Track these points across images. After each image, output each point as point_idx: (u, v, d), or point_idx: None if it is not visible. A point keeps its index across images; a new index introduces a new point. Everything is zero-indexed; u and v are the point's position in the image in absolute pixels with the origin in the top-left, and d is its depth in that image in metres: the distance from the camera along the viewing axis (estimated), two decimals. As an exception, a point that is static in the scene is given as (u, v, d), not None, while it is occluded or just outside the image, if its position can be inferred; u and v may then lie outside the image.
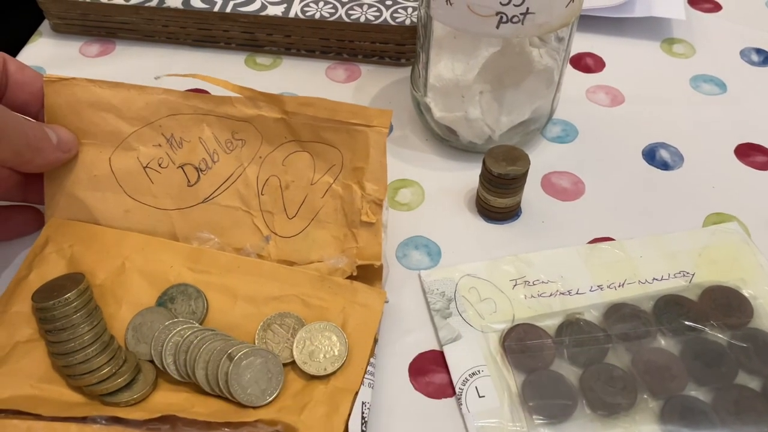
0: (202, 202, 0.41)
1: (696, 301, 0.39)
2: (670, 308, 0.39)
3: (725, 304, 0.39)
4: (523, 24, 0.40)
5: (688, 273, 0.41)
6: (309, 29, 0.55)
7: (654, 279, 0.41)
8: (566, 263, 0.42)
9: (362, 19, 0.54)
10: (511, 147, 0.43)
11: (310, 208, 0.40)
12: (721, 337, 0.37)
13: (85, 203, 0.40)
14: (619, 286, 0.40)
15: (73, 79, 0.41)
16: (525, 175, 0.43)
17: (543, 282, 0.41)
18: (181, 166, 0.41)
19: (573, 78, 0.56)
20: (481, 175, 0.44)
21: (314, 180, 0.40)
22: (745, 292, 0.40)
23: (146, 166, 0.41)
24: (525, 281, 0.41)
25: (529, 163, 0.43)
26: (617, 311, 0.38)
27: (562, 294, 0.40)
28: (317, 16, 0.54)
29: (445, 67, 0.46)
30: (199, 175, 0.41)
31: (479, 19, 0.40)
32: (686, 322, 0.38)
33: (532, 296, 0.40)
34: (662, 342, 0.37)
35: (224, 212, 0.40)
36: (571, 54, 0.58)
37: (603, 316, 0.38)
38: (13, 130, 0.36)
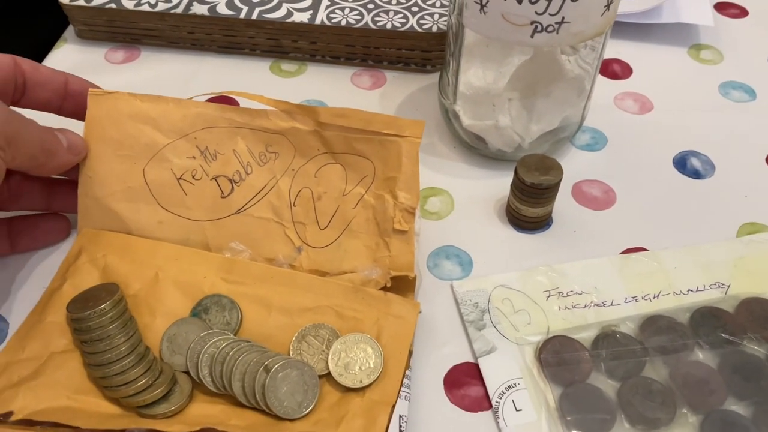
0: (236, 213, 0.41)
1: (732, 314, 0.39)
2: (707, 320, 0.38)
3: (763, 316, 0.38)
4: (558, 33, 0.40)
5: (723, 284, 0.41)
6: (335, 36, 0.55)
7: (689, 290, 0.40)
8: (600, 274, 0.41)
9: (389, 26, 0.54)
10: (543, 156, 0.43)
11: (342, 219, 0.40)
12: (759, 350, 0.37)
13: (118, 214, 0.40)
14: (654, 297, 0.40)
15: (117, 92, 0.41)
16: (558, 184, 0.42)
17: (577, 293, 0.40)
18: (215, 178, 0.41)
19: (600, 84, 0.55)
20: (513, 185, 0.43)
21: (346, 191, 0.40)
22: (783, 305, 0.39)
23: (180, 178, 0.41)
24: (559, 292, 0.40)
25: (562, 172, 0.42)
26: (653, 323, 0.38)
27: (597, 305, 0.40)
28: (343, 22, 0.54)
29: (475, 74, 0.46)
30: (232, 187, 0.41)
31: (514, 28, 0.40)
32: (724, 335, 0.37)
33: (566, 308, 0.39)
34: (700, 355, 0.37)
35: (257, 223, 0.40)
36: (598, 60, 0.58)
37: (639, 328, 0.38)
38: (28, 134, 0.36)
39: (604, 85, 0.55)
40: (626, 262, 0.42)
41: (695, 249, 0.43)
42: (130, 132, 0.41)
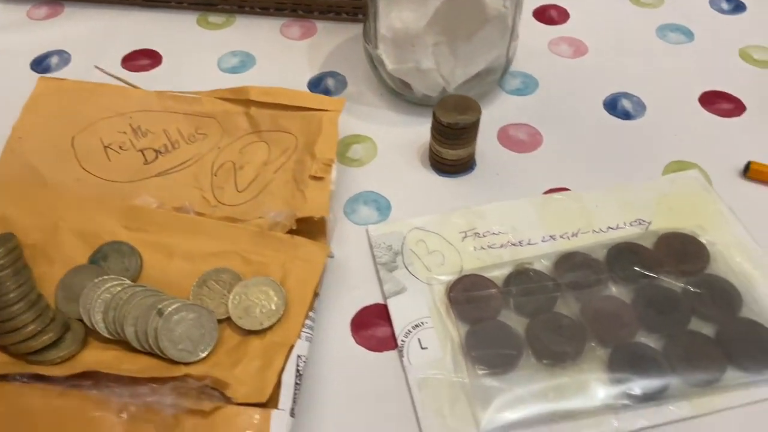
0: (155, 176, 0.41)
1: (651, 249, 0.38)
2: (624, 256, 0.37)
3: (681, 250, 0.38)
4: (467, -37, 0.38)
5: (644, 221, 0.40)
6: (262, -15, 0.54)
7: (609, 228, 0.39)
8: (519, 215, 0.40)
9: (315, -27, 0.53)
10: (462, 97, 0.42)
11: (261, 182, 0.41)
12: (675, 283, 0.36)
13: (37, 168, 0.41)
14: (573, 235, 0.39)
15: (65, 79, 0.46)
16: (476, 124, 0.41)
17: (494, 233, 0.39)
18: (141, 150, 0.43)
19: (535, 30, 0.54)
20: (432, 127, 0.42)
21: (268, 161, 0.42)
22: (703, 239, 0.38)
23: (107, 147, 0.43)
24: (475, 233, 0.39)
25: (480, 112, 0.41)
26: (568, 260, 0.37)
27: (513, 245, 0.39)
28: (269, -29, 0.53)
29: (396, 17, 0.44)
30: (157, 156, 0.43)
31: (421, -40, 0.38)
32: (639, 270, 0.36)
33: (481, 248, 0.38)
34: (614, 290, 0.36)
35: (174, 186, 0.41)
36: (535, 6, 0.57)
37: (554, 265, 0.37)
38: None
39: (539, 31, 0.54)
40: (546, 202, 0.41)
41: (618, 188, 0.42)
42: (68, 108, 0.44)
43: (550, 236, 0.39)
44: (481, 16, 0.44)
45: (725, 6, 0.56)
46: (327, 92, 0.49)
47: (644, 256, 0.37)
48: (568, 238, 0.39)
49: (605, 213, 0.40)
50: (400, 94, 0.48)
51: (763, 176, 0.42)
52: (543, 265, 0.37)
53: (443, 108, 0.41)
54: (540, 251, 0.38)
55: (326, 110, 0.43)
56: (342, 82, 0.50)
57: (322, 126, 0.42)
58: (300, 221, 0.38)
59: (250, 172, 0.41)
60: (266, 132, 0.44)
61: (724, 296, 0.35)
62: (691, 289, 0.36)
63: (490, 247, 0.38)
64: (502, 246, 0.39)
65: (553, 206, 0.41)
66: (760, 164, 0.42)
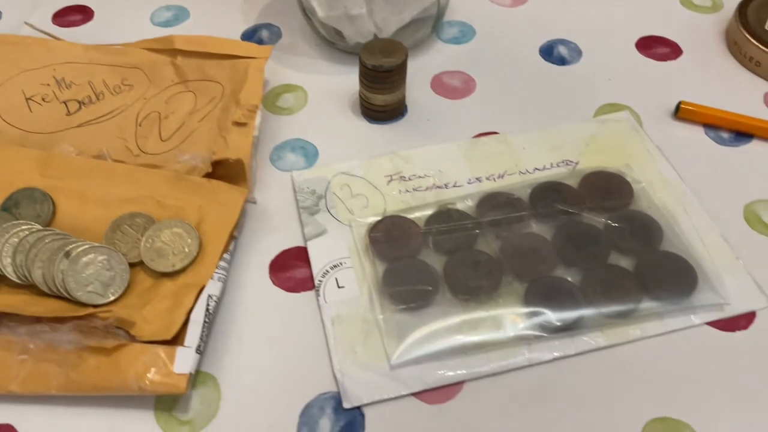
0: (77, 126, 0.41)
1: (575, 187, 0.38)
2: (547, 194, 0.37)
3: (605, 188, 0.37)
4: None
5: (572, 161, 0.40)
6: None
7: (535, 169, 0.39)
8: (446, 158, 0.40)
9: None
10: (389, 40, 0.41)
11: (185, 131, 0.40)
12: (596, 219, 0.36)
13: None
14: (499, 177, 0.39)
15: None
16: (402, 67, 0.40)
17: (420, 177, 0.39)
18: (65, 102, 0.42)
19: (475, -21, 0.53)
20: (360, 72, 0.41)
21: (194, 110, 0.41)
22: (629, 177, 0.38)
23: (29, 98, 0.42)
24: (401, 177, 0.39)
25: (405, 54, 0.40)
26: (491, 200, 0.37)
27: (438, 187, 0.38)
28: None
29: (324, -38, 0.44)
30: (80, 107, 0.42)
31: None
32: (561, 207, 0.36)
33: (406, 191, 0.38)
34: (535, 227, 0.36)
35: (96, 135, 0.40)
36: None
37: (476, 205, 0.37)
38: None
39: (479, -20, 0.53)
40: (474, 145, 0.41)
41: (548, 130, 0.41)
42: None
43: (476, 178, 0.39)
44: (411, -40, 0.43)
45: (668, -46, 0.56)
46: (260, 43, 0.48)
47: (567, 194, 0.37)
48: (494, 180, 0.38)
49: (533, 154, 0.40)
50: (334, 43, 0.47)
51: (692, 115, 0.42)
52: (466, 206, 0.37)
53: (369, 51, 0.41)
54: (465, 192, 0.38)
55: (253, 57, 0.43)
56: (276, 34, 0.49)
57: (248, 73, 0.42)
58: (220, 167, 0.37)
59: (175, 122, 0.41)
60: (193, 81, 0.43)
61: (644, 231, 0.35)
62: (612, 225, 0.36)
63: (415, 190, 0.38)
64: (427, 189, 0.38)
65: (480, 149, 0.40)
66: (689, 104, 0.42)
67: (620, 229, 0.35)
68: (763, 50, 0.44)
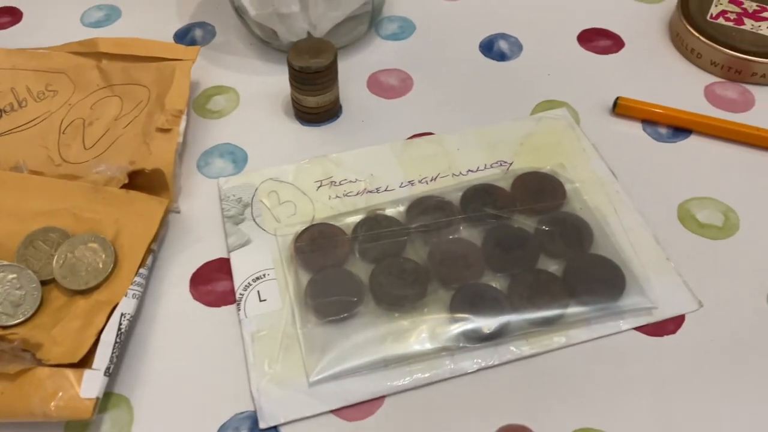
0: None
1: (507, 190, 0.37)
2: (478, 198, 0.36)
3: (537, 190, 0.37)
4: None
5: (506, 162, 0.39)
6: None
7: (469, 171, 0.38)
8: (378, 161, 0.39)
9: None
10: (318, 40, 0.40)
11: (109, 138, 0.39)
12: (527, 223, 0.35)
13: None
14: (432, 180, 0.38)
15: None
16: (330, 68, 0.39)
17: (351, 181, 0.38)
18: None
19: (417, -28, 0.52)
20: (289, 74, 0.40)
21: (119, 116, 0.40)
22: (562, 177, 0.37)
23: None
24: (331, 182, 0.38)
25: (334, 54, 0.39)
26: (420, 204, 0.36)
27: (370, 192, 0.37)
28: None
29: (253, -42, 0.42)
30: (1, 115, 0.40)
31: None
32: (490, 210, 0.35)
33: (336, 196, 0.37)
34: (464, 232, 0.35)
35: (18, 145, 0.39)
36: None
37: (406, 210, 0.36)
38: None
39: (421, -27, 0.52)
40: (407, 147, 0.40)
41: (483, 129, 0.41)
42: None
43: (409, 182, 0.38)
44: (343, -45, 0.42)
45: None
46: (193, 44, 0.47)
47: (499, 197, 0.36)
48: (427, 183, 0.38)
49: (467, 156, 0.39)
50: (269, 43, 0.46)
51: (630, 111, 0.41)
52: (397, 211, 0.36)
53: (296, 52, 0.39)
54: (396, 197, 0.37)
55: (180, 60, 0.41)
56: (210, 32, 0.48)
57: (174, 76, 0.40)
58: (141, 176, 0.36)
59: (99, 128, 0.40)
60: (119, 86, 0.41)
61: (574, 233, 0.35)
62: (542, 228, 0.35)
63: (345, 195, 0.37)
64: (358, 194, 0.37)
65: (413, 151, 0.39)
66: (627, 99, 0.41)
67: (550, 232, 0.35)
68: (704, 42, 0.43)
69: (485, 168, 0.38)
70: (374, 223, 0.35)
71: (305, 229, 0.35)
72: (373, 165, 0.39)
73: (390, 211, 0.36)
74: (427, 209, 0.36)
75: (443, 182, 0.38)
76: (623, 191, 0.37)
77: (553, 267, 0.34)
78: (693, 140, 0.40)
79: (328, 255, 0.34)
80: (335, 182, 0.38)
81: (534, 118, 0.41)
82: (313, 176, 0.38)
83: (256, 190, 0.37)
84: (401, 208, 0.36)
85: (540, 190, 0.37)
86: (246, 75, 0.45)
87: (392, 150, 0.39)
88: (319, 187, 0.38)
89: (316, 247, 0.34)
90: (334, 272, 0.33)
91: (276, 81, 0.44)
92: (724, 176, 0.38)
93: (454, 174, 0.38)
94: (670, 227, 0.36)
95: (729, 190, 0.37)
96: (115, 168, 0.35)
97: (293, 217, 0.36)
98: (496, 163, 0.39)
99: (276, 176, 0.38)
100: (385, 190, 0.37)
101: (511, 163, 0.39)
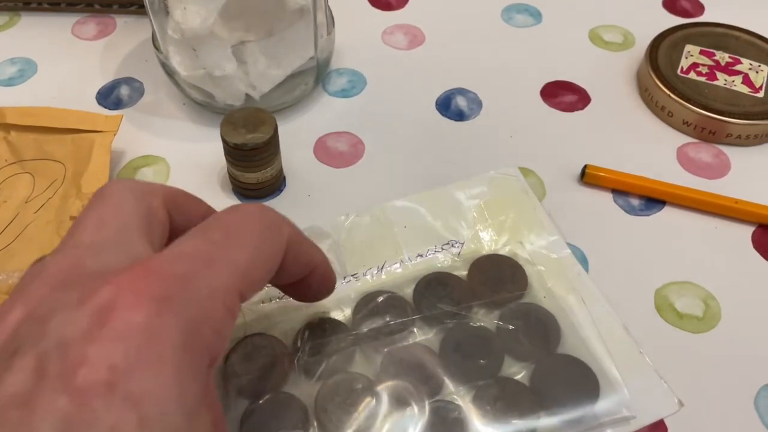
0: None
1: (463, 279, 0.33)
2: (431, 291, 0.32)
3: (496, 277, 0.33)
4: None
5: (458, 243, 0.35)
6: (42, -23, 0.46)
7: (418, 255, 0.34)
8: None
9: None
10: (255, 110, 0.36)
11: (19, 225, 0.35)
12: (487, 319, 0.32)
13: None
14: (378, 270, 0.34)
15: None
16: (269, 143, 0.35)
17: (292, 273, 0.34)
18: None
19: (368, 18, 0.48)
20: (224, 149, 0.36)
21: (31, 198, 0.36)
22: (521, 260, 0.34)
23: None
24: (271, 274, 0.34)
25: (274, 128, 0.35)
26: (368, 304, 0.32)
27: (313, 286, 0.33)
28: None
29: (181, 15, 0.37)
30: None
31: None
32: (446, 307, 0.32)
33: (270, 299, 0.32)
34: (420, 335, 0.31)
35: None
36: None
37: (352, 311, 0.32)
38: None
39: (372, 19, 0.48)
40: (351, 228, 0.35)
41: (429, 197, 0.36)
42: None
43: (353, 275, 0.34)
44: (281, 9, 0.38)
45: (578, -19, 0.51)
46: (119, 104, 0.42)
47: (455, 288, 0.32)
48: (373, 276, 0.34)
49: (414, 235, 0.35)
50: (203, 105, 0.41)
51: (599, 180, 0.38)
52: (342, 313, 0.32)
53: (230, 125, 0.35)
54: (339, 295, 0.33)
55: (99, 131, 0.37)
56: (138, 91, 0.43)
57: (92, 152, 0.36)
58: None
59: (8, 212, 0.35)
60: (30, 161, 0.37)
61: (540, 329, 0.31)
62: (504, 326, 0.31)
63: (282, 297, 0.33)
64: (299, 290, 0.33)
65: (357, 233, 0.35)
66: (595, 168, 0.38)
67: (514, 331, 0.31)
68: (675, 100, 0.40)
69: (435, 251, 0.35)
70: (320, 331, 0.31)
71: (237, 344, 0.31)
72: (318, 252, 0.34)
73: (335, 314, 0.32)
74: (377, 310, 0.32)
75: (392, 273, 0.34)
76: (592, 273, 0.34)
77: (520, 372, 0.30)
78: (667, 212, 0.37)
79: (265, 377, 0.30)
80: (275, 275, 0.34)
81: (485, 179, 0.37)
82: (250, 268, 0.34)
83: (185, 287, 0.33)
84: (347, 311, 0.32)
85: (499, 277, 0.33)
86: (177, 141, 0.40)
87: (336, 233, 0.35)
88: (256, 281, 0.33)
89: (250, 369, 0.30)
90: (273, 399, 0.29)
91: (211, 149, 0.40)
92: (703, 255, 0.35)
93: (402, 261, 0.34)
94: (646, 317, 0.33)
95: (708, 272, 0.34)
96: (16, 275, 0.31)
97: (227, 320, 0.32)
98: (447, 244, 0.35)
99: (208, 269, 0.34)
100: (331, 284, 0.33)
101: (462, 244, 0.35)
